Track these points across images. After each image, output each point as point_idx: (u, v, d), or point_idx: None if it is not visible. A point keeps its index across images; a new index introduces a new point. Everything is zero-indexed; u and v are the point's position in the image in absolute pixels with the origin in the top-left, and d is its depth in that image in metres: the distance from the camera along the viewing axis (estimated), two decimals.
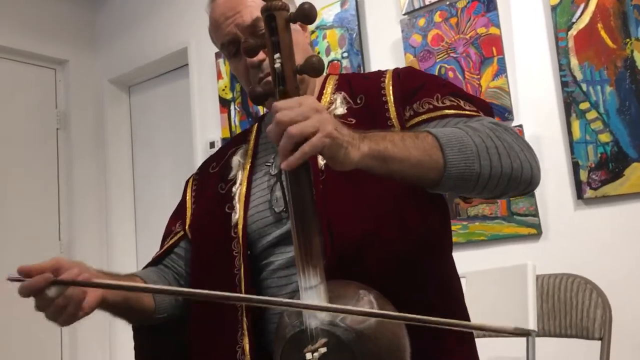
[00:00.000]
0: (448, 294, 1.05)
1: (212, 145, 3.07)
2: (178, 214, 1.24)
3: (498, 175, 0.92)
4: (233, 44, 1.10)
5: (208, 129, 3.12)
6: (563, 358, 1.90)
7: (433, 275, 1.02)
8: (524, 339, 1.34)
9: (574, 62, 2.06)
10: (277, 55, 0.87)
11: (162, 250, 1.21)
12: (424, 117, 1.02)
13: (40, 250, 3.31)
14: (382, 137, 0.85)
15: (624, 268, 1.93)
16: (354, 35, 2.59)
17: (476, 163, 0.90)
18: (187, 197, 1.23)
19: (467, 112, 1.02)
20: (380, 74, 1.12)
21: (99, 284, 0.91)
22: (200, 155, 3.14)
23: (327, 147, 0.78)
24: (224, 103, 3.01)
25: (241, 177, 1.13)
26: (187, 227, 1.19)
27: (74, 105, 3.57)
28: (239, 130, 2.97)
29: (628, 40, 1.96)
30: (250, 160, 1.15)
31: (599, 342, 1.61)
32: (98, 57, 3.70)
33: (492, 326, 0.79)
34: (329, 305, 0.79)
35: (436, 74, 2.34)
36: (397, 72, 1.11)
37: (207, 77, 3.08)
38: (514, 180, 0.94)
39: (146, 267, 1.22)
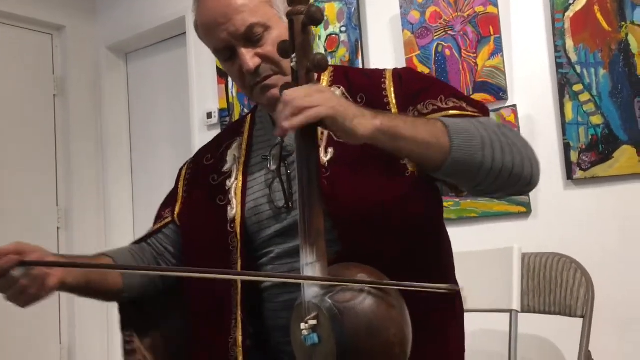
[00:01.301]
0: (445, 272, 1.10)
1: (209, 115, 3.09)
2: (168, 201, 1.26)
3: (499, 168, 0.95)
4: (227, 50, 1.11)
5: (205, 99, 3.13)
6: (546, 334, 1.98)
7: (432, 256, 1.08)
8: (507, 315, 1.41)
9: (569, 43, 2.08)
10: (293, 55, 0.93)
11: (148, 232, 1.24)
12: (428, 117, 1.03)
13: (38, 217, 3.36)
14: (395, 116, 0.91)
15: (609, 248, 1.98)
16: (353, 9, 2.59)
17: (480, 152, 0.93)
18: (180, 185, 1.26)
19: (469, 113, 1.05)
20: (380, 73, 1.13)
21: (67, 263, 0.96)
22: (197, 126, 3.17)
23: (330, 117, 0.83)
24: (222, 74, 3.02)
25: (236, 171, 1.15)
26: (176, 215, 1.21)
27: (71, 72, 3.56)
28: (236, 102, 2.99)
29: (623, 23, 1.98)
30: (244, 154, 1.17)
31: (581, 319, 1.68)
32: (95, 23, 3.68)
33: (427, 285, 0.93)
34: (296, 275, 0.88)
35: (433, 51, 2.36)
36: (397, 73, 1.12)
37: (205, 47, 3.04)
38: (515, 176, 0.97)
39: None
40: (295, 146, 0.91)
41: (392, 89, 1.09)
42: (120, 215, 3.62)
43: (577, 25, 2.06)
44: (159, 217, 1.26)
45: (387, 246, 1.00)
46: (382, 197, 1.02)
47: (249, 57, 1.07)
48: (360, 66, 2.55)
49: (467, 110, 1.05)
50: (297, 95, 0.85)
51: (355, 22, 2.58)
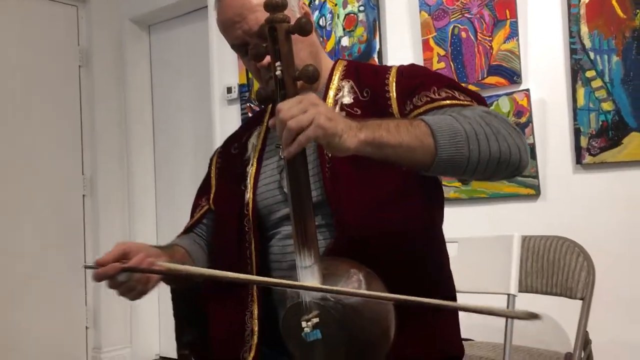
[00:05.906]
0: (439, 265, 1.18)
1: (229, 90, 3.16)
2: (203, 190, 1.35)
3: (486, 159, 0.99)
4: (243, 46, 1.17)
5: (225, 74, 3.19)
6: (547, 313, 2.05)
7: (428, 249, 1.14)
8: (505, 297, 1.49)
9: (584, 29, 2.10)
10: (277, 63, 0.97)
11: (192, 221, 1.32)
12: (422, 109, 1.09)
13: (64, 185, 3.49)
14: (378, 125, 0.93)
15: (615, 233, 2.04)
16: None
17: (465, 147, 0.97)
18: (212, 174, 1.34)
19: (461, 102, 1.09)
20: (386, 70, 1.19)
21: (160, 270, 1.03)
22: (218, 100, 3.24)
23: (321, 136, 0.88)
24: None
25: (252, 158, 1.23)
26: (211, 200, 1.30)
27: (95, 43, 3.65)
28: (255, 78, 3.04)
29: (638, 11, 2.00)
30: (261, 142, 1.25)
31: (581, 301, 1.75)
32: None
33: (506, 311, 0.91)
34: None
35: (449, 33, 2.39)
36: (400, 70, 1.18)
37: None
38: (502, 163, 1.01)
39: (180, 235, 1.33)
40: (284, 161, 0.96)
41: (394, 85, 1.14)
42: (143, 183, 3.74)
43: (593, 11, 2.08)
44: (196, 207, 1.34)
45: (383, 237, 1.06)
46: (380, 189, 1.08)
47: None
48: (378, 46, 2.59)
49: (459, 99, 1.09)
50: (291, 114, 0.88)
51: (373, 1, 2.61)
